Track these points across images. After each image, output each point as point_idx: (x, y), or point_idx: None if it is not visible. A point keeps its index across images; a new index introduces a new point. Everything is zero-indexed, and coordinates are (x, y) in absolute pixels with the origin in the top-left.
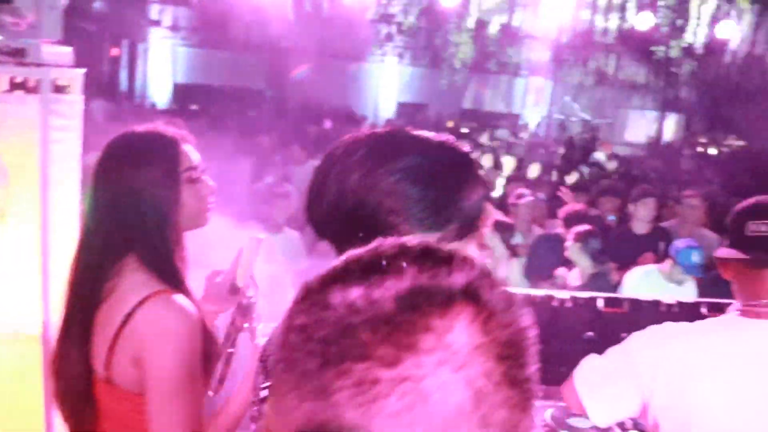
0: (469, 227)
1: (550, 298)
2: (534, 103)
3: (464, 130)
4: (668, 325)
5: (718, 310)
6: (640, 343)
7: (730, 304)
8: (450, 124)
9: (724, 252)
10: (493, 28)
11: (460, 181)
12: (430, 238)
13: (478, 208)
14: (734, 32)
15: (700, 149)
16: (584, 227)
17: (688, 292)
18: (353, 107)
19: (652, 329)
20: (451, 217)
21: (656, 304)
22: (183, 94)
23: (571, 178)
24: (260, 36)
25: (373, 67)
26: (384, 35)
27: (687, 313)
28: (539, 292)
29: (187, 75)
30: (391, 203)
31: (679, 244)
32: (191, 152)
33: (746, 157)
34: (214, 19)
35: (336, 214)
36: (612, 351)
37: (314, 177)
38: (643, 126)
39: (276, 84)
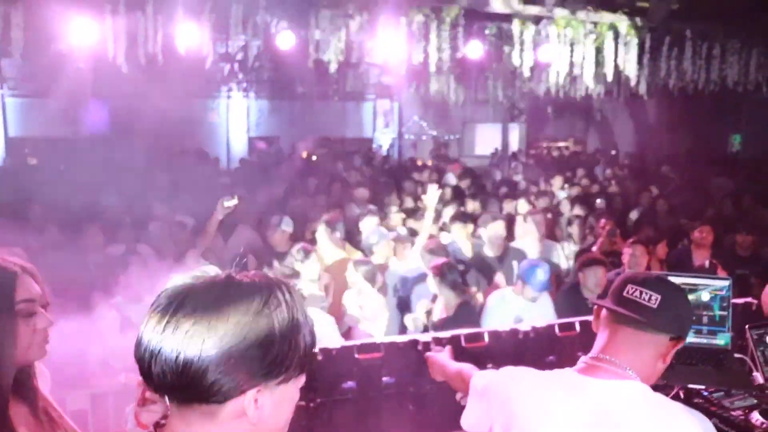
0: (306, 359)
1: (415, 342)
2: (384, 125)
3: (314, 158)
4: (523, 371)
5: (569, 328)
6: (499, 378)
7: (579, 322)
8: (304, 154)
9: (599, 300)
10: (332, 67)
11: (290, 323)
12: (271, 384)
13: (312, 341)
14: (554, 54)
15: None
16: (441, 260)
17: (543, 307)
18: (204, 146)
19: (511, 371)
20: (291, 361)
21: (515, 332)
22: (19, 148)
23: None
24: (96, 82)
25: (220, 105)
26: (227, 73)
27: (543, 336)
28: (403, 338)
29: (21, 127)
30: (227, 370)
31: (524, 264)
32: (29, 284)
33: (582, 157)
34: (44, 67)
35: (176, 384)
36: (491, 374)
37: (139, 346)
38: (490, 137)
39: (121, 131)
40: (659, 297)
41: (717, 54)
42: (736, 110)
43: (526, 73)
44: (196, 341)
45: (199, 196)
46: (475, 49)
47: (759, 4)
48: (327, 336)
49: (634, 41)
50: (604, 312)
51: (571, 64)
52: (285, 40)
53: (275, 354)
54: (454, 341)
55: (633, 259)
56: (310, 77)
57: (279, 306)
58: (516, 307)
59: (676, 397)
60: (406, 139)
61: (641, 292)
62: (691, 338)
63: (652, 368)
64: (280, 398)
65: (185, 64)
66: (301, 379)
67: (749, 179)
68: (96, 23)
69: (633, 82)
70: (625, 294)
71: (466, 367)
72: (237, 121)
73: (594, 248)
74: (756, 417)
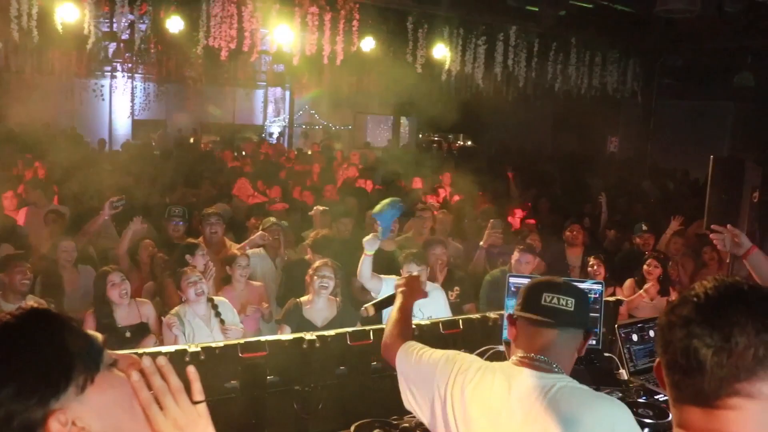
0: (95, 364)
1: (301, 340)
2: (275, 113)
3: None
4: (468, 357)
5: (453, 326)
6: (445, 361)
7: (462, 320)
8: (191, 139)
9: (519, 311)
10: (223, 54)
11: (47, 340)
12: (69, 399)
13: (91, 343)
14: (447, 53)
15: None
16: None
17: (437, 301)
18: (83, 127)
19: (458, 356)
20: (68, 373)
21: None
22: None
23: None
24: None
25: (103, 85)
26: (111, 53)
27: (427, 333)
28: (288, 336)
29: None
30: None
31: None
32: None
33: (474, 154)
34: None
35: None
36: (430, 355)
37: None
38: (381, 129)
39: None
40: (573, 300)
41: (599, 62)
42: (614, 114)
43: (419, 69)
44: None
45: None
46: (368, 43)
47: (636, 21)
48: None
49: (523, 44)
50: (522, 319)
51: (463, 62)
52: (174, 24)
53: (32, 381)
54: (339, 340)
55: (518, 265)
56: (200, 61)
57: (12, 341)
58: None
59: None
60: (297, 128)
61: (559, 299)
62: None
63: (571, 360)
64: (101, 404)
65: (64, 40)
66: (111, 377)
67: (622, 179)
68: None
69: (521, 83)
70: (543, 302)
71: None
72: (120, 102)
73: (481, 243)
74: None
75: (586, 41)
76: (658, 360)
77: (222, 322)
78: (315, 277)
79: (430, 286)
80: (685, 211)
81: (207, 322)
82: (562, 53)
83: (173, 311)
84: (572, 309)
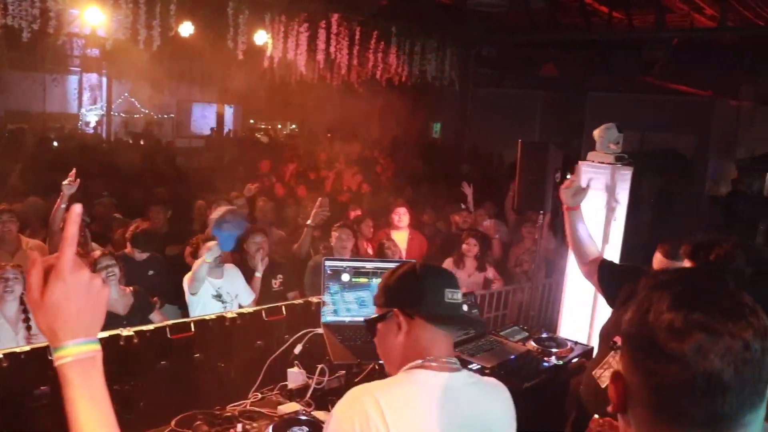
0: None
1: (117, 337)
2: (91, 101)
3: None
4: (365, 389)
5: (276, 313)
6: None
7: (284, 306)
8: None
9: (418, 311)
10: (24, 35)
11: None
12: None
13: None
14: (269, 40)
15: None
16: None
17: (235, 279)
18: None
19: (356, 397)
20: None
21: (221, 320)
22: None
23: None
24: None
25: None
26: None
27: (249, 321)
28: (103, 334)
29: None
30: None
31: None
32: None
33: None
34: None
35: None
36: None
37: None
38: (205, 118)
39: None
40: (460, 292)
41: (418, 51)
42: (436, 101)
43: (240, 56)
44: None
45: None
46: (187, 28)
47: (452, 12)
48: None
49: (345, 32)
50: (425, 319)
51: (285, 49)
52: None
53: None
54: (158, 333)
55: (339, 242)
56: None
57: None
58: (213, 283)
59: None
60: (116, 117)
61: (455, 294)
62: None
63: None
64: None
65: None
66: None
67: (444, 163)
68: None
69: (344, 71)
70: (447, 300)
71: None
72: None
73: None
74: None
75: (406, 30)
76: (615, 371)
77: (29, 329)
78: (98, 269)
79: (226, 266)
80: (500, 191)
81: (14, 326)
82: (384, 41)
83: None
84: (461, 301)
